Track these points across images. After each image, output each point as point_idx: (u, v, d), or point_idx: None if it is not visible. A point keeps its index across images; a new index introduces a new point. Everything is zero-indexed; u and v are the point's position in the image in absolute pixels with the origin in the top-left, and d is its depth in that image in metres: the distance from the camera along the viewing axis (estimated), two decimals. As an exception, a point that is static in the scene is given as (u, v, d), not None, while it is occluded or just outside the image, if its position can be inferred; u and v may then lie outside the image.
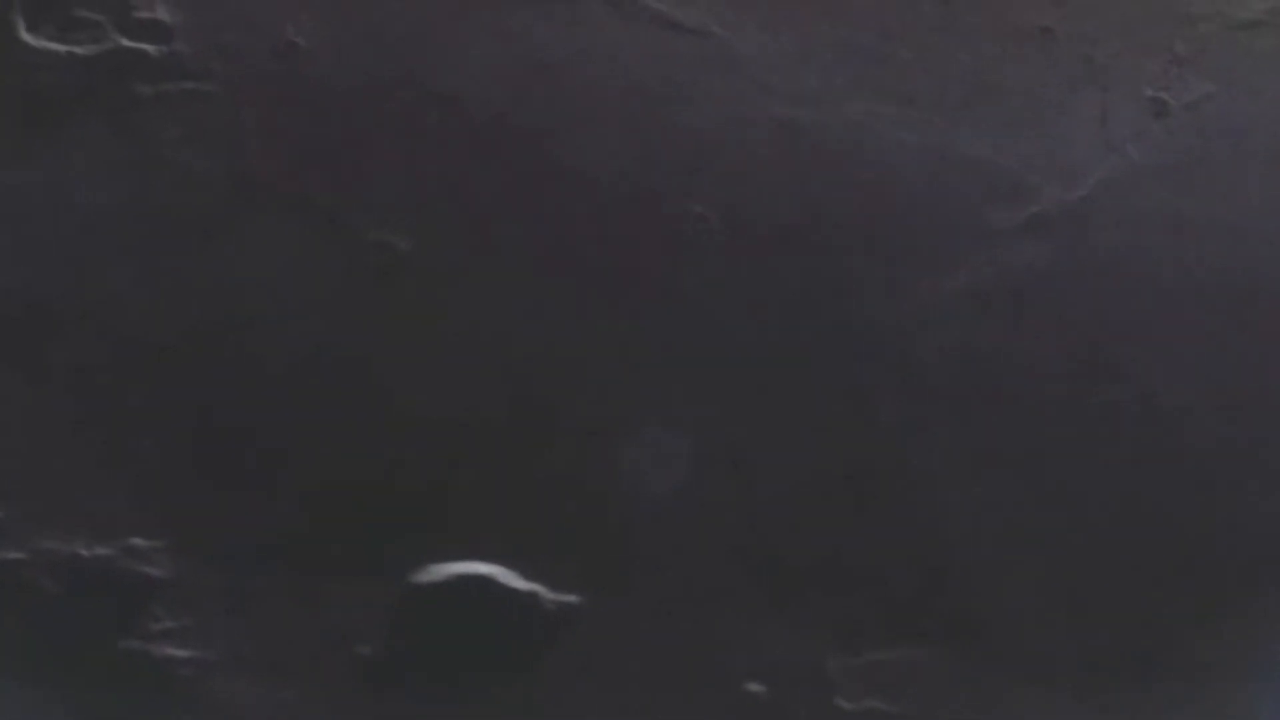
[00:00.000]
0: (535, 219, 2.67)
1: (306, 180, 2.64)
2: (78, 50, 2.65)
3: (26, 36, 2.61)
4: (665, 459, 2.62)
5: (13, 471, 2.61)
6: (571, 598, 2.55)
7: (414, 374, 2.61)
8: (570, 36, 2.77)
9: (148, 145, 2.64)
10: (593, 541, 2.62)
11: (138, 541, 2.57)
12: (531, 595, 2.56)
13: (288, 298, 2.60)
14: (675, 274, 2.68)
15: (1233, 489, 2.75)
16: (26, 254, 2.61)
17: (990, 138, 2.82)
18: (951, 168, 2.79)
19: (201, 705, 2.67)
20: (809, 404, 2.70)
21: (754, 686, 2.84)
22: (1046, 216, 2.80)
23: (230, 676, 2.72)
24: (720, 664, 2.83)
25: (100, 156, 2.64)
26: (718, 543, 2.65)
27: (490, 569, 2.58)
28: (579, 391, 2.63)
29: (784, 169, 2.75)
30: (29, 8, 2.61)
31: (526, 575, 2.58)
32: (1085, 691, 2.89)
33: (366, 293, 2.62)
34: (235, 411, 2.59)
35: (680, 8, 2.80)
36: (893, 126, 2.79)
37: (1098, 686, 2.90)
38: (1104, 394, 2.74)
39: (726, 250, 2.70)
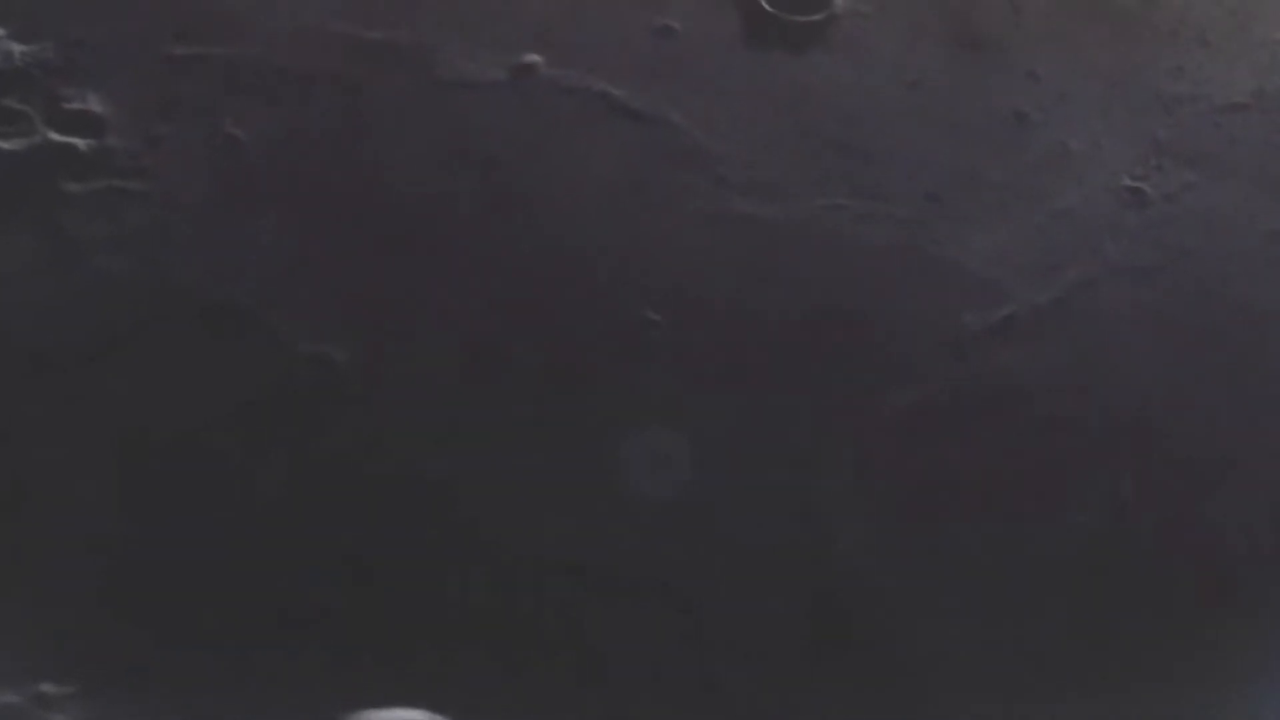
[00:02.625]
0: (481, 326, 2.55)
1: (239, 286, 2.50)
2: (3, 145, 2.52)
3: (-51, 129, 2.49)
4: (611, 592, 2.50)
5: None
6: (507, 746, 2.44)
7: (348, 496, 2.48)
8: (521, 126, 2.64)
9: (74, 248, 2.51)
10: (532, 684, 2.51)
11: (48, 688, 2.46)
12: (466, 744, 2.45)
13: (216, 414, 2.47)
14: (624, 384, 2.55)
15: (1209, 616, 2.63)
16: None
17: (960, 233, 2.70)
18: (918, 266, 2.67)
19: None
20: (763, 529, 2.57)
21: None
22: (1018, 320, 2.67)
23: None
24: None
25: (23, 260, 2.50)
26: (665, 685, 2.53)
27: (422, 716, 2.47)
28: (518, 516, 2.51)
29: (740, 268, 2.63)
30: (-49, 100, 2.48)
31: (460, 721, 2.46)
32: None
33: (300, 409, 2.49)
34: (153, 542, 2.46)
35: (638, 94, 2.67)
36: (857, 222, 2.67)
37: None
38: (1077, 515, 2.62)
39: (677, 358, 2.57)
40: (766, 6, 2.74)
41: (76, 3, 2.60)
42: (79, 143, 2.57)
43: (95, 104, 2.59)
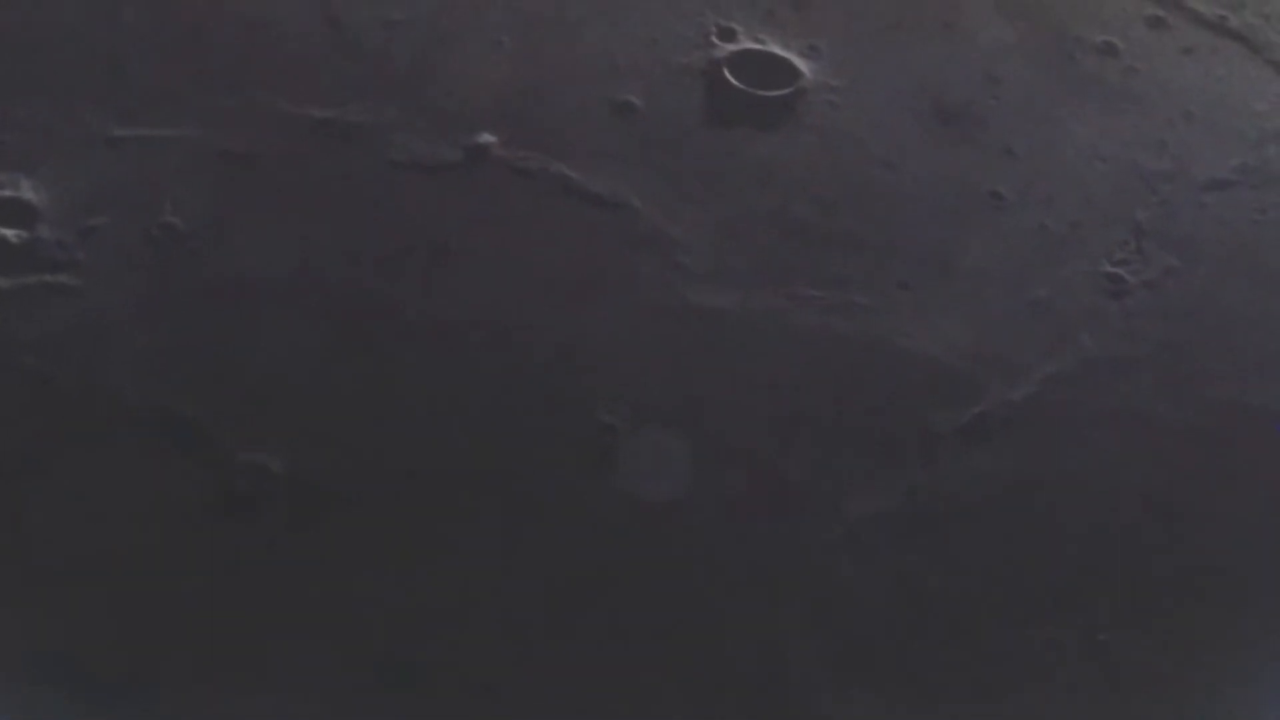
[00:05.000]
0: (427, 433, 2.44)
1: (174, 389, 2.39)
2: (-72, 237, 2.42)
3: None
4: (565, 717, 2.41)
5: None
6: None
7: (286, 616, 2.38)
8: (475, 212, 2.53)
9: (1, 348, 2.39)
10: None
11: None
12: None
13: (148, 529, 2.37)
14: (576, 495, 2.45)
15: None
16: None
17: (930, 325, 2.58)
18: (886, 362, 2.57)
19: None
20: (716, 658, 2.48)
21: None
22: (989, 419, 2.56)
23: None
24: None
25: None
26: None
27: None
28: (461, 640, 2.41)
29: (699, 366, 2.52)
30: (-125, 188, 2.38)
31: None
32: None
33: (235, 523, 2.38)
34: (74, 659, 2.37)
35: (597, 176, 2.57)
36: (823, 313, 2.56)
37: None
38: (1048, 632, 2.52)
39: (633, 467, 2.47)
40: (732, 80, 2.62)
41: (8, 80, 2.47)
42: (9, 234, 2.48)
43: (27, 191, 2.49)
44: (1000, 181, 2.72)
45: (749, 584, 2.52)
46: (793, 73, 2.71)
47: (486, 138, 2.61)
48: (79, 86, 2.53)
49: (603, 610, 2.48)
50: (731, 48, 2.63)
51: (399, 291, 2.51)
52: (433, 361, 2.50)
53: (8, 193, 2.48)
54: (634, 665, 2.49)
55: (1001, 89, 2.73)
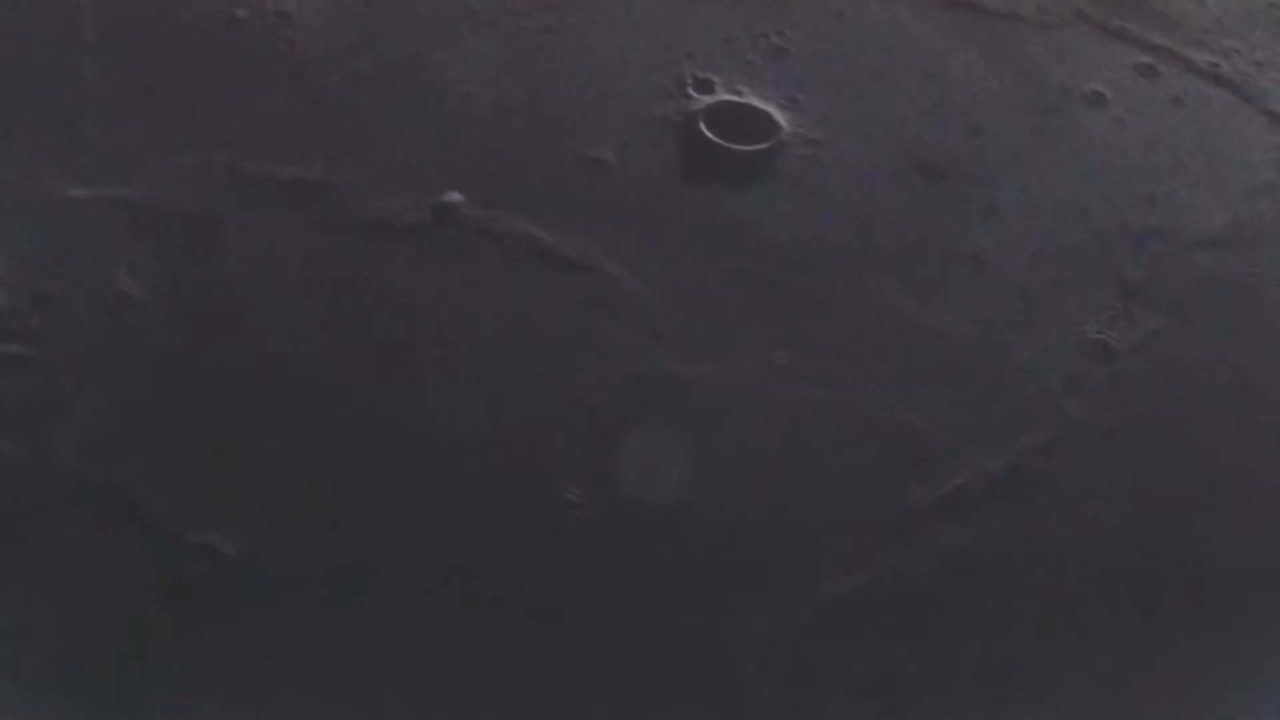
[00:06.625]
0: (382, 515, 2.37)
1: (124, 467, 2.33)
2: (-126, 304, 2.36)
3: None
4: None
5: None
6: None
7: (239, 713, 2.32)
8: (439, 276, 2.45)
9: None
10: None
11: None
12: None
13: (94, 614, 2.31)
14: (538, 579, 2.38)
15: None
16: None
17: (905, 393, 2.52)
18: (859, 431, 2.50)
19: None
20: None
21: None
22: (967, 493, 2.49)
23: None
24: None
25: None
26: None
27: None
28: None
29: (669, 439, 2.44)
30: None
31: None
32: None
33: (185, 608, 2.33)
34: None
35: (567, 238, 2.49)
36: (795, 381, 2.49)
37: None
38: (1029, 720, 2.45)
39: (598, 547, 2.40)
40: (708, 134, 2.54)
41: (-40, 139, 2.41)
42: (-41, 302, 2.41)
43: (-21, 256, 2.43)
44: (983, 241, 2.65)
45: (717, 666, 2.45)
46: (771, 126, 2.63)
47: (453, 196, 2.53)
48: (31, 145, 2.46)
49: (566, 694, 2.42)
50: (708, 99, 2.55)
51: (359, 362, 2.44)
52: (392, 438, 2.43)
53: (-44, 258, 2.42)
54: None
55: (985, 141, 2.65)
